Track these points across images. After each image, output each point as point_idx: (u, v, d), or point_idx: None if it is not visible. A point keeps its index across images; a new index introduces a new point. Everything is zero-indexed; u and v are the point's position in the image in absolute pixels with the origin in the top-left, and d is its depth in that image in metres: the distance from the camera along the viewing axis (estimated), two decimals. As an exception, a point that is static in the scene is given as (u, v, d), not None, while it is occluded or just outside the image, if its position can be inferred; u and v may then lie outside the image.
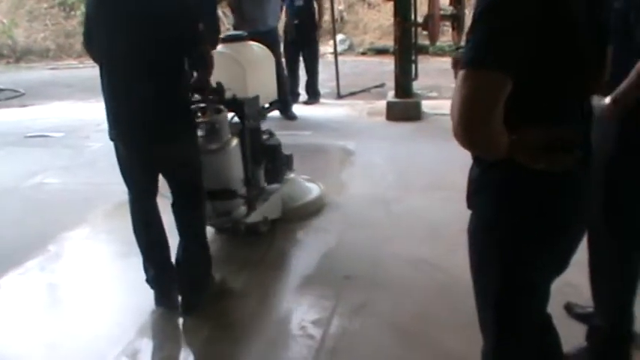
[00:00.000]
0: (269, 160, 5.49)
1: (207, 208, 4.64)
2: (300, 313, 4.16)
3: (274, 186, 5.58)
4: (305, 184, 6.05)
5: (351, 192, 6.27)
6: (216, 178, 4.74)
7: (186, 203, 4.18)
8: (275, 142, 5.64)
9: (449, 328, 3.83)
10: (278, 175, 5.65)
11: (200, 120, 4.57)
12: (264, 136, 5.54)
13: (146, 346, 3.95)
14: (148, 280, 4.21)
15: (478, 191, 2.22)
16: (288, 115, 9.20)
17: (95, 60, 3.97)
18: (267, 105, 5.61)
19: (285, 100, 9.15)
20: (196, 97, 4.46)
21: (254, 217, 5.13)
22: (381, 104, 9.15)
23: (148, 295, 4.17)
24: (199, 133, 4.46)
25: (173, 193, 4.16)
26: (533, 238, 2.12)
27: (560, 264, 2.30)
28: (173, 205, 4.16)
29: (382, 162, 7.11)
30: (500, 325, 2.35)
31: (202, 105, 4.62)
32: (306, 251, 5.04)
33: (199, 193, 4.28)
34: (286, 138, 7.99)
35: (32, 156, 7.90)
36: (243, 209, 5.02)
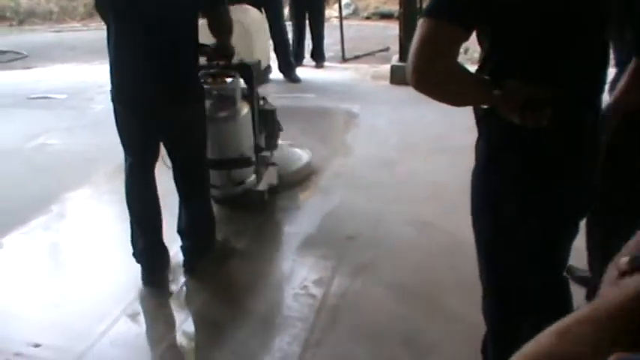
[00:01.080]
0: (266, 126, 5.35)
1: (222, 178, 4.75)
2: (302, 272, 4.18)
3: (268, 153, 5.46)
4: (294, 150, 5.96)
5: (354, 154, 6.27)
6: (232, 146, 4.73)
7: (188, 172, 4.12)
8: (270, 107, 5.47)
9: (450, 288, 3.85)
10: (274, 140, 5.51)
11: (213, 86, 4.54)
12: (260, 102, 5.38)
13: (147, 306, 3.97)
14: (134, 254, 4.08)
15: (477, 141, 2.26)
16: (291, 78, 9.14)
17: (105, 19, 3.82)
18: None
19: (288, 63, 9.14)
20: (205, 62, 4.42)
21: (262, 185, 5.09)
22: (385, 68, 9.10)
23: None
24: (211, 100, 4.45)
25: (174, 162, 4.07)
26: (520, 188, 2.13)
27: (556, 221, 2.28)
28: (175, 175, 4.09)
29: (386, 125, 7.09)
30: (491, 272, 2.36)
31: (212, 71, 4.56)
32: (309, 212, 5.05)
33: (202, 162, 4.21)
34: (290, 101, 8.05)
35: (35, 117, 7.88)
36: (254, 177, 5.02)
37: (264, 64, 5.44)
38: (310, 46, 9.85)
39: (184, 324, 3.75)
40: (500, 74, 1.97)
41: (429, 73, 1.94)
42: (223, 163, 4.75)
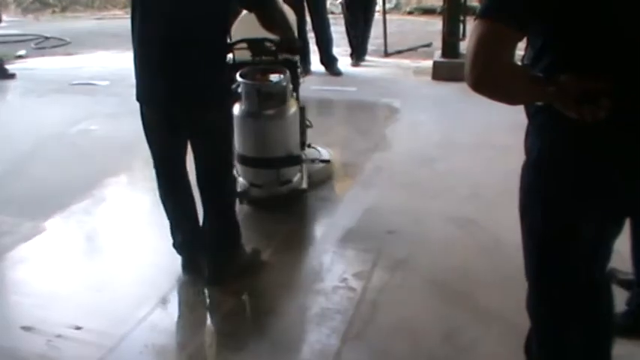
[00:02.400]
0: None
1: (268, 177, 4.67)
2: (342, 265, 4.18)
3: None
4: (317, 149, 5.69)
5: (395, 149, 6.24)
6: (282, 145, 4.64)
7: (209, 180, 3.91)
8: (301, 104, 5.17)
9: (488, 286, 3.82)
10: (304, 138, 5.26)
11: (266, 82, 4.47)
12: None
13: (186, 293, 4.00)
14: (174, 245, 4.05)
15: (527, 136, 2.25)
16: (333, 71, 9.15)
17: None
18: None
19: (330, 56, 9.15)
20: (250, 58, 4.39)
21: (304, 183, 4.97)
22: (428, 64, 9.06)
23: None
24: (260, 97, 4.42)
25: (197, 162, 3.85)
26: (572, 184, 2.11)
27: (608, 219, 2.26)
28: (198, 179, 3.90)
29: (427, 120, 7.06)
30: (540, 270, 2.35)
31: (261, 67, 4.47)
32: (350, 206, 5.03)
33: (228, 167, 4.03)
34: (331, 94, 8.07)
35: (78, 103, 7.96)
36: (299, 176, 4.93)
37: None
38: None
39: (224, 312, 3.75)
40: (553, 71, 1.96)
41: (487, 74, 1.95)
42: (272, 162, 4.66)
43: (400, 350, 3.35)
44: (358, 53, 9.76)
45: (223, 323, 3.67)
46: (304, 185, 4.93)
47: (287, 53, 4.33)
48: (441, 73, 8.63)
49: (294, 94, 4.83)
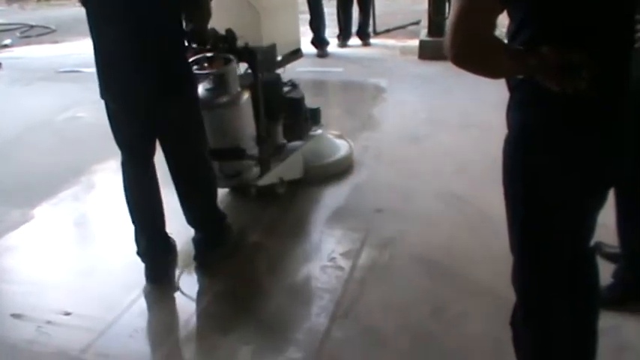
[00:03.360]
0: (289, 115, 4.89)
1: (214, 169, 4.33)
2: (330, 244, 4.19)
3: (296, 143, 5.01)
4: (333, 141, 5.49)
5: (382, 128, 6.27)
6: (224, 136, 4.37)
7: (183, 170, 3.82)
8: (297, 94, 5.01)
9: (477, 261, 3.84)
10: (300, 131, 5.05)
11: (206, 71, 4.24)
12: (286, 88, 4.97)
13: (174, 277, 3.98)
14: (138, 253, 3.87)
15: (509, 110, 2.24)
16: (323, 52, 9.21)
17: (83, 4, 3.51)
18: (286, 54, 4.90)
19: (321, 38, 9.17)
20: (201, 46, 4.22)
21: (267, 179, 4.67)
22: (414, 43, 9.06)
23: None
24: (207, 85, 4.27)
25: (167, 160, 3.75)
26: (555, 156, 2.11)
27: (591, 192, 2.27)
28: (170, 173, 3.80)
29: (414, 99, 7.07)
30: (525, 245, 2.35)
31: (209, 55, 4.26)
32: (338, 185, 5.03)
33: (202, 157, 3.90)
34: (318, 74, 8.07)
35: (64, 91, 7.94)
36: (255, 170, 4.61)
37: (287, 48, 4.90)
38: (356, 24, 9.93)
39: (212, 295, 3.76)
40: (534, 44, 1.95)
41: (468, 48, 1.94)
42: (212, 154, 4.24)
43: (389, 327, 3.37)
44: (345, 34, 9.76)
45: (212, 306, 3.67)
46: (263, 182, 4.64)
47: (195, 43, 4.15)
48: (427, 52, 8.63)
49: (254, 84, 4.50)
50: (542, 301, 2.42)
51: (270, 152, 4.71)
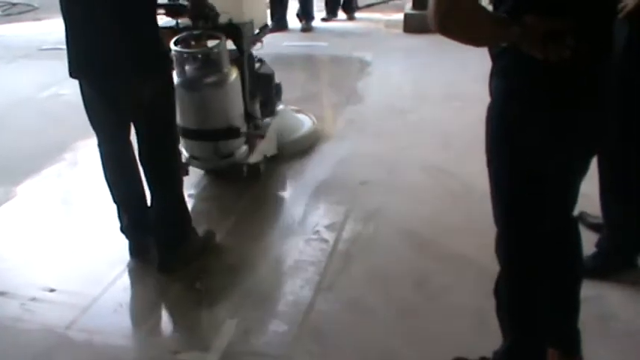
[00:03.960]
0: (262, 91, 4.86)
1: (207, 151, 4.40)
2: (315, 217, 4.20)
3: (267, 120, 4.96)
4: (296, 116, 5.48)
5: (366, 102, 6.26)
6: (219, 116, 4.33)
7: (156, 152, 3.65)
8: (268, 70, 4.98)
9: (461, 234, 3.86)
10: (272, 106, 5.05)
11: (197, 50, 4.19)
12: (256, 65, 4.88)
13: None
14: (121, 229, 3.83)
15: (491, 79, 2.24)
16: (307, 26, 9.18)
17: None
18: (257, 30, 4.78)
19: (307, 12, 9.15)
20: (186, 22, 4.19)
21: (256, 157, 4.66)
22: (399, 16, 9.04)
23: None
24: (196, 64, 4.20)
25: (140, 139, 3.61)
26: (537, 123, 2.11)
27: (574, 160, 2.28)
28: (140, 154, 3.64)
29: (398, 73, 7.07)
30: (508, 213, 2.36)
31: (196, 32, 4.20)
32: (323, 159, 5.04)
33: (172, 140, 3.75)
34: (303, 49, 8.05)
35: (47, 68, 7.85)
36: (245, 149, 4.60)
37: (259, 24, 4.82)
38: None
39: (196, 269, 3.75)
40: (517, 12, 1.95)
41: (452, 16, 1.92)
42: (208, 135, 4.36)
43: (372, 299, 3.38)
44: (330, 8, 9.72)
45: (196, 279, 3.67)
46: (253, 160, 4.63)
47: (193, 20, 4.14)
48: (412, 25, 8.61)
49: (239, 60, 4.48)
50: (526, 269, 2.44)
51: (256, 130, 4.72)
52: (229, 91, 4.33)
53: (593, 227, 3.54)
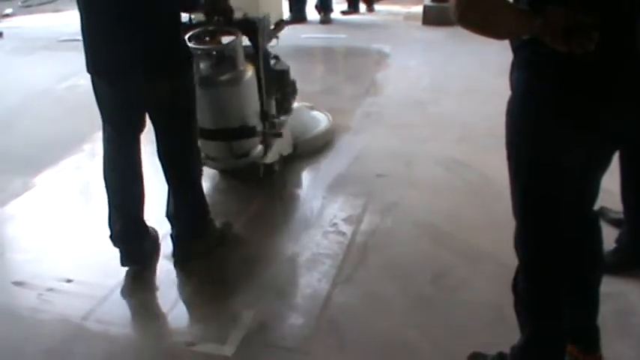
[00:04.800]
0: (278, 89, 4.70)
1: (222, 150, 4.29)
2: (332, 210, 4.18)
3: (283, 118, 4.79)
4: (312, 113, 5.35)
5: (385, 94, 6.25)
6: (233, 115, 4.21)
7: (176, 148, 3.59)
8: (283, 66, 4.76)
9: (478, 227, 3.84)
10: (288, 104, 4.88)
11: (212, 46, 4.08)
12: (271, 61, 4.69)
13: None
14: (111, 237, 3.65)
15: (512, 71, 2.22)
16: (326, 18, 9.15)
17: None
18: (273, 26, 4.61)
19: (327, 4, 9.12)
20: (200, 18, 4.07)
21: (272, 157, 4.54)
22: (418, 9, 9.00)
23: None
24: (210, 61, 4.10)
25: (159, 137, 3.54)
26: (560, 116, 2.08)
27: (595, 153, 2.25)
28: (159, 151, 3.56)
29: (417, 65, 7.03)
30: (528, 208, 2.33)
31: (210, 28, 4.07)
32: (341, 152, 5.02)
33: (192, 137, 3.68)
34: (321, 41, 8.04)
35: (66, 59, 7.85)
36: (260, 148, 4.47)
37: (275, 18, 4.63)
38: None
39: (214, 260, 3.77)
40: (539, 4, 1.92)
41: (474, 8, 1.92)
42: (223, 134, 4.24)
43: (390, 292, 3.37)
44: (352, 1, 9.71)
45: (213, 270, 3.68)
46: (269, 159, 4.51)
47: (218, 15, 3.98)
48: (431, 17, 8.57)
49: (255, 57, 4.32)
50: (545, 265, 2.41)
51: (272, 129, 4.57)
52: (245, 89, 4.22)
53: (614, 223, 3.51)
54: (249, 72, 4.24)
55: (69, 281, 3.60)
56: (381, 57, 7.44)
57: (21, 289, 3.60)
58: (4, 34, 9.36)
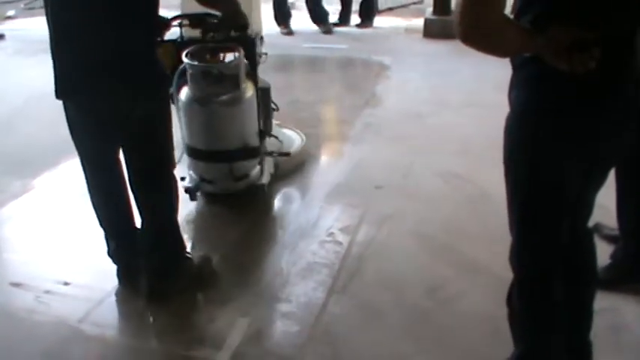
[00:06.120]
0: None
1: (221, 173, 4.10)
2: (329, 220, 4.19)
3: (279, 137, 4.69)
4: (284, 133, 5.04)
5: (384, 105, 6.27)
6: (236, 135, 4.08)
7: (148, 180, 3.37)
8: (265, 84, 4.45)
9: (475, 240, 3.85)
10: (270, 123, 4.56)
11: (214, 64, 3.93)
12: None
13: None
14: (109, 253, 3.57)
15: (512, 89, 2.23)
16: (327, 28, 9.19)
17: None
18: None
19: (323, 13, 9.15)
20: (193, 34, 3.94)
21: (265, 177, 4.40)
22: (419, 21, 9.06)
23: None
24: (210, 79, 3.90)
25: (129, 166, 3.33)
26: (559, 133, 2.10)
27: (593, 172, 2.28)
28: (130, 181, 3.37)
29: (417, 77, 7.07)
30: (524, 223, 2.35)
31: (211, 45, 3.95)
32: (339, 162, 5.07)
33: (166, 168, 3.41)
34: (321, 51, 8.06)
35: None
36: (258, 169, 4.35)
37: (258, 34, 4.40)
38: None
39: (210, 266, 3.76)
40: (542, 22, 1.94)
41: (478, 26, 1.92)
42: (224, 155, 4.08)
43: (385, 303, 3.38)
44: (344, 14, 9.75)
45: (209, 277, 3.68)
46: (264, 180, 4.37)
47: (232, 30, 3.82)
48: (432, 30, 8.61)
49: (253, 75, 4.17)
50: (539, 279, 2.43)
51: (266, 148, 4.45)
52: (246, 108, 4.09)
53: (609, 239, 3.53)
54: (251, 90, 4.11)
55: (66, 284, 3.61)
56: (382, 69, 7.48)
57: (18, 290, 3.60)
58: (7, 37, 9.38)
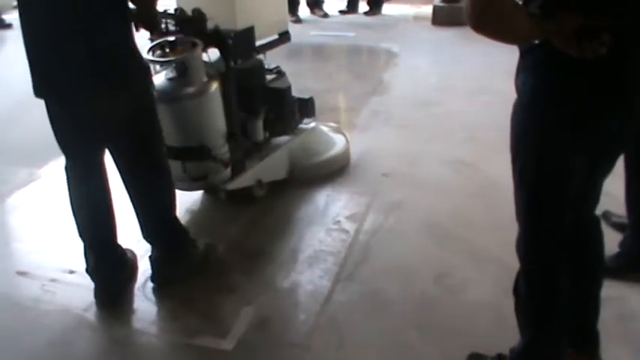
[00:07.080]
0: (272, 108, 4.29)
1: (176, 169, 3.79)
2: (336, 208, 4.19)
3: (282, 139, 4.46)
4: (327, 135, 4.82)
5: (392, 93, 6.27)
6: (187, 133, 3.85)
7: (139, 175, 3.30)
8: (282, 84, 4.34)
9: (483, 228, 3.84)
10: (284, 125, 4.42)
11: (166, 59, 3.69)
12: (270, 77, 4.36)
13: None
14: (87, 270, 3.42)
15: (518, 74, 2.21)
16: (322, 12, 9.36)
17: None
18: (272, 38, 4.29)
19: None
20: (169, 27, 3.77)
21: (241, 182, 4.12)
22: (428, 9, 9.03)
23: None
24: (168, 75, 3.76)
25: (118, 162, 3.25)
26: (565, 122, 2.08)
27: (600, 161, 2.26)
28: (122, 179, 3.30)
29: (425, 65, 7.06)
30: (531, 211, 2.33)
31: (171, 39, 3.73)
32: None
33: (157, 159, 3.35)
34: (329, 39, 8.04)
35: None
36: (226, 172, 4.04)
37: (272, 31, 4.27)
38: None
39: (215, 255, 3.76)
40: (550, 8, 1.92)
41: (488, 13, 1.91)
42: (173, 152, 3.76)
43: (391, 291, 3.37)
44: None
45: (215, 265, 3.67)
46: (233, 185, 4.08)
47: (145, 28, 3.37)
48: (440, 17, 8.59)
49: (229, 73, 3.93)
50: (546, 268, 2.42)
51: (245, 151, 4.17)
52: (202, 106, 3.82)
53: (618, 227, 3.51)
54: (212, 87, 3.83)
55: (72, 272, 3.61)
56: (390, 56, 7.47)
57: (24, 278, 3.61)
58: (15, 26, 9.37)
